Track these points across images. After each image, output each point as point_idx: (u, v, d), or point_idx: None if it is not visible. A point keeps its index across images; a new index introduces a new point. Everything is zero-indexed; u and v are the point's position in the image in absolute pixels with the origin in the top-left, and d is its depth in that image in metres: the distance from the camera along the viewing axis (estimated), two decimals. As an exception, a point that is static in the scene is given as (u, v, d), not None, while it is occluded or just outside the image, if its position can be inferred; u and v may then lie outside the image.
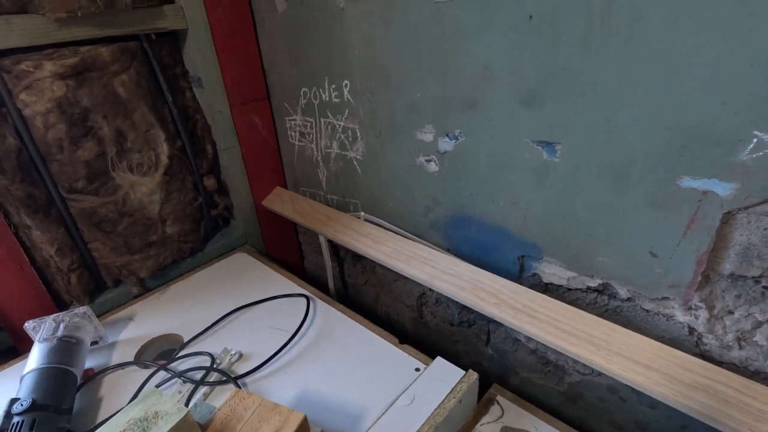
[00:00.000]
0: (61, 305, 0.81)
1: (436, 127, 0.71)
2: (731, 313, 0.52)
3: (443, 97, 0.67)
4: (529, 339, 0.76)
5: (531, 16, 0.53)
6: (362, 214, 0.95)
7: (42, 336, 0.64)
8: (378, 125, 0.80)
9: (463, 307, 0.86)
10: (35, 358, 0.61)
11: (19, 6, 0.65)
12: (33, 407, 0.54)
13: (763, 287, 0.49)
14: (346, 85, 0.83)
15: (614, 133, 0.52)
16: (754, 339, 0.52)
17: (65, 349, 0.63)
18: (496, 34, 0.57)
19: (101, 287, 0.87)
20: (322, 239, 1.03)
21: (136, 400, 0.44)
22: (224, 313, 0.78)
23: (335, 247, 1.09)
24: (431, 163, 0.75)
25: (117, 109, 0.77)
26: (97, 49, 0.73)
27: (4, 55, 0.66)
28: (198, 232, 0.98)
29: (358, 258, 1.05)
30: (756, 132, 0.43)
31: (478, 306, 0.68)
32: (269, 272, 0.92)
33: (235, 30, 0.90)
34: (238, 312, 0.79)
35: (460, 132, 0.68)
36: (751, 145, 0.43)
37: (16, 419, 0.52)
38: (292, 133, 1.02)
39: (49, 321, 0.67)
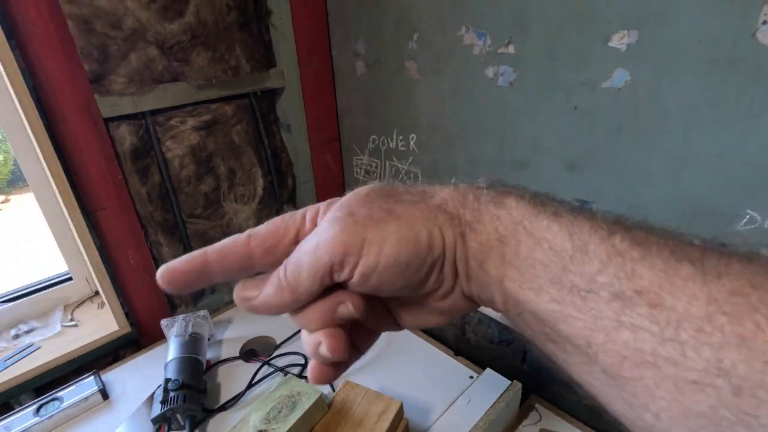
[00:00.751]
0: (173, 308, 1.00)
1: (490, 181, 0.87)
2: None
3: (500, 157, 0.83)
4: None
5: (576, 107, 0.69)
6: (417, 243, 1.11)
7: (176, 332, 0.82)
8: (439, 173, 0.97)
9: (504, 328, 1.00)
10: (174, 349, 0.78)
11: (173, 77, 0.85)
12: (182, 386, 0.71)
13: None
14: (412, 138, 1.00)
15: (638, 201, 0.66)
16: None
17: (194, 342, 0.81)
18: (547, 116, 0.73)
19: (201, 294, 1.05)
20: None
21: (279, 383, 0.60)
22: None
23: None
24: (484, 207, 0.91)
25: (231, 152, 0.96)
26: (223, 107, 0.92)
27: (159, 113, 0.85)
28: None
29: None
30: (748, 211, 0.57)
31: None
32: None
33: (320, 86, 1.09)
34: (317, 321, 0.96)
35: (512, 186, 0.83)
36: (745, 220, 0.58)
37: (172, 394, 0.69)
38: (358, 170, 1.20)
39: (180, 320, 0.85)
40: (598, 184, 0.71)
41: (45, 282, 0.96)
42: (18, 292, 0.93)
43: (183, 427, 0.69)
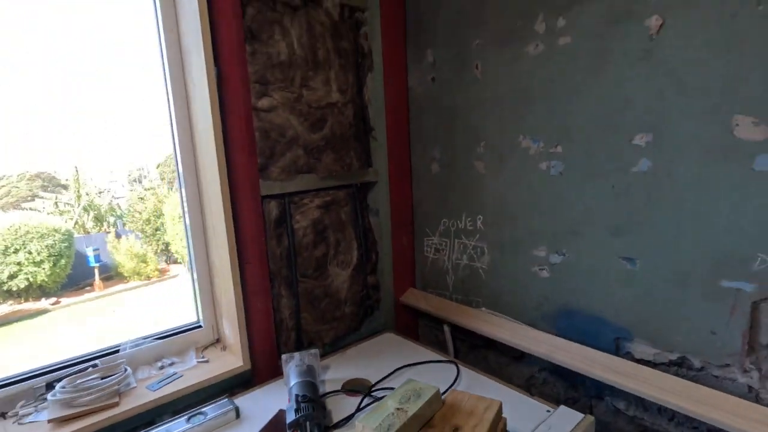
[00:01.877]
0: (279, 351, 1.18)
1: (549, 247, 1.09)
2: (774, 374, 0.78)
3: (554, 228, 1.07)
4: (628, 407, 0.99)
5: (613, 186, 0.94)
6: (483, 309, 1.29)
7: (296, 362, 1.00)
8: (503, 245, 1.20)
9: (569, 386, 1.11)
10: (296, 375, 0.96)
11: (308, 169, 1.17)
12: (310, 399, 0.87)
13: (791, 354, 0.76)
14: (479, 218, 1.26)
15: (674, 254, 0.87)
16: (796, 394, 0.76)
17: (310, 372, 0.98)
18: (592, 194, 0.98)
19: (300, 346, 1.23)
20: (446, 329, 1.36)
21: (405, 382, 0.76)
22: (394, 368, 1.10)
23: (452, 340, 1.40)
24: (543, 271, 1.11)
25: (339, 227, 1.24)
26: (338, 192, 1.23)
27: (294, 195, 1.16)
28: (359, 315, 1.36)
29: (473, 348, 1.35)
30: (759, 254, 0.76)
31: (589, 372, 0.96)
32: (416, 347, 1.25)
33: (401, 182, 1.41)
34: (403, 369, 1.11)
35: (566, 250, 1.05)
36: (757, 261, 0.77)
37: (303, 405, 0.85)
38: (428, 249, 1.44)
39: (297, 355, 1.03)
40: (639, 243, 0.92)
41: (179, 329, 1.18)
42: (159, 335, 1.14)
43: (310, 435, 0.83)
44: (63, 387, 0.90)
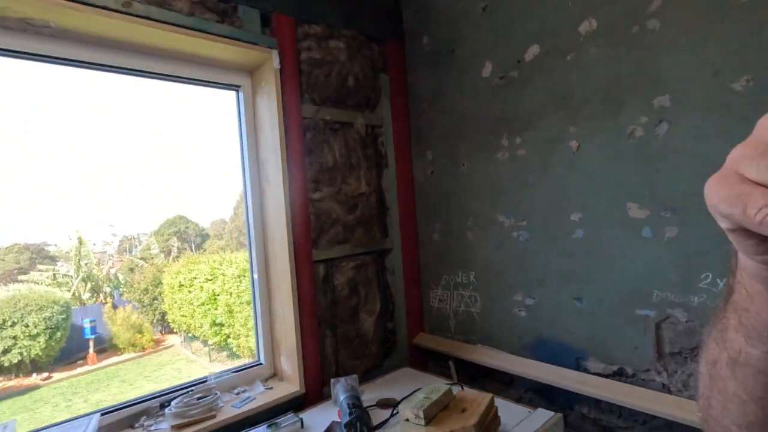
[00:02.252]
0: (323, 378, 1.51)
1: (524, 293, 1.49)
2: (675, 372, 1.16)
3: (526, 279, 1.47)
4: (590, 411, 1.34)
5: (563, 248, 1.37)
6: (479, 345, 1.65)
7: (343, 384, 1.34)
8: (491, 294, 1.60)
9: (548, 402, 1.45)
10: (344, 391, 1.30)
11: (344, 241, 1.59)
12: (358, 406, 1.22)
13: (684, 357, 1.14)
14: (472, 274, 1.66)
15: (605, 293, 1.27)
16: (690, 384, 1.13)
17: (354, 390, 1.32)
18: (549, 254, 1.40)
19: (338, 377, 1.57)
20: (451, 363, 1.71)
21: (427, 385, 1.11)
22: (414, 389, 1.44)
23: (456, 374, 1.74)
24: (521, 311, 1.50)
25: (366, 283, 1.63)
26: (365, 257, 1.64)
27: (334, 260, 1.57)
28: (381, 354, 1.70)
29: (472, 378, 1.69)
30: (654, 290, 1.18)
31: (559, 383, 1.32)
32: (429, 376, 1.59)
33: (410, 248, 1.83)
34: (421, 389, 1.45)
35: (536, 295, 1.45)
36: (653, 295, 1.18)
37: (354, 410, 1.20)
38: (433, 299, 1.83)
39: (343, 379, 1.37)
40: (582, 288, 1.33)
41: (246, 366, 1.52)
42: (233, 370, 1.48)
43: None
44: (177, 404, 1.24)
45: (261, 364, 1.53)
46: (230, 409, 1.30)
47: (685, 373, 1.15)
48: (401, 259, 1.79)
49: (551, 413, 1.23)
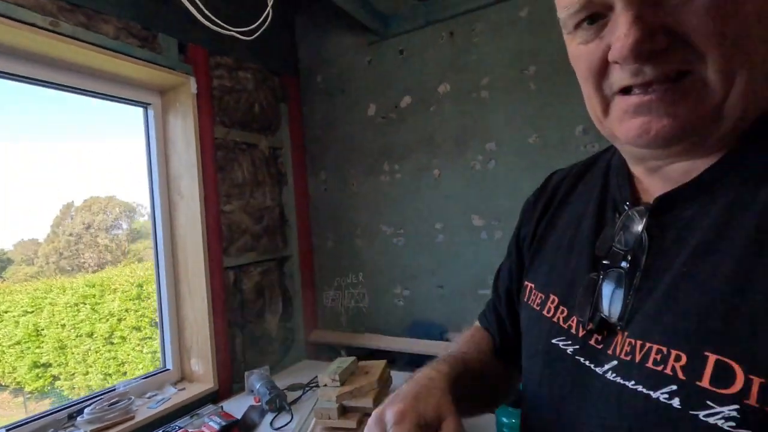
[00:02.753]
0: (235, 374, 1.65)
1: (401, 287, 1.90)
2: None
3: (403, 276, 1.88)
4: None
5: (429, 250, 1.82)
6: (366, 333, 1.99)
7: (257, 373, 1.53)
8: (376, 290, 1.97)
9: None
10: (259, 379, 1.49)
11: (251, 249, 1.78)
12: (276, 388, 1.43)
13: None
14: (360, 275, 2.01)
15: (459, 280, 1.75)
16: (511, 339, 1.67)
17: (268, 377, 1.52)
18: (420, 255, 1.84)
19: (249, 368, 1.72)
20: (342, 352, 2.01)
21: (335, 360, 1.39)
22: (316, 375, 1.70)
23: (348, 359, 2.04)
24: (400, 301, 1.90)
25: (270, 286, 1.84)
26: (270, 264, 1.85)
27: (243, 266, 1.74)
28: (282, 351, 1.91)
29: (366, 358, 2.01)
30: (489, 276, 1.69)
31: (429, 352, 1.74)
32: (326, 363, 1.86)
33: (307, 255, 2.09)
34: (323, 374, 1.72)
35: (410, 287, 1.87)
36: (489, 279, 1.69)
37: (273, 391, 1.41)
38: (326, 299, 2.12)
39: (256, 370, 1.55)
40: (443, 278, 1.79)
41: (153, 373, 1.57)
42: (142, 377, 1.53)
43: (281, 408, 1.38)
44: (91, 410, 1.26)
45: (168, 369, 1.60)
46: (147, 410, 1.37)
47: (508, 331, 1.68)
48: (299, 264, 2.04)
49: (425, 373, 1.64)
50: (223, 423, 1.22)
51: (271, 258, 1.87)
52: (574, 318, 0.47)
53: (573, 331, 0.47)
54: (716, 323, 0.33)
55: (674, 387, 0.34)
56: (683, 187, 0.41)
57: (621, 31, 0.35)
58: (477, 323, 0.75)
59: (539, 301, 0.54)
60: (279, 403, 1.39)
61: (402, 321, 1.90)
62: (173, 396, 1.47)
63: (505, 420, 1.27)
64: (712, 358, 0.33)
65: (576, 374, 0.44)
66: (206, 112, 1.60)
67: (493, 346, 0.67)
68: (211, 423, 1.23)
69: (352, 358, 1.40)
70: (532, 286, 0.56)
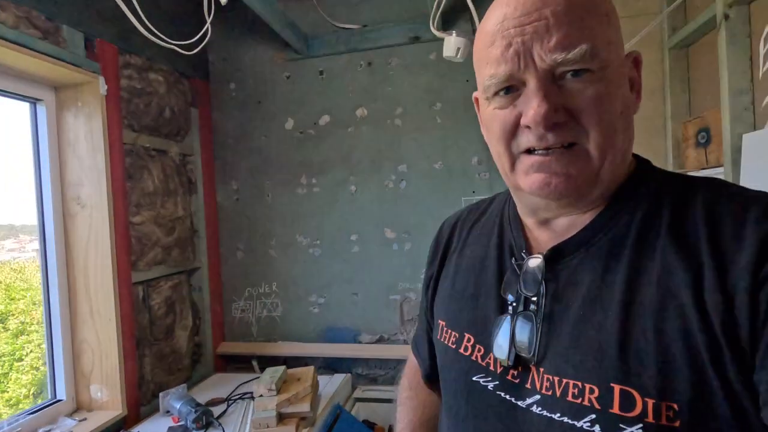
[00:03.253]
0: (144, 398, 1.54)
1: (317, 295, 1.99)
2: (410, 330, 1.92)
3: (320, 284, 1.99)
4: (363, 370, 1.96)
5: (344, 260, 1.96)
6: (279, 342, 2.04)
7: (175, 393, 1.47)
8: (290, 299, 2.02)
9: (335, 371, 1.99)
10: (178, 399, 1.44)
11: (161, 262, 1.68)
12: (201, 405, 1.41)
13: (413, 320, 1.91)
14: (274, 284, 2.04)
15: (372, 288, 1.93)
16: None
17: (186, 395, 1.48)
18: (336, 265, 1.97)
19: (154, 395, 1.62)
20: (254, 362, 2.02)
21: (267, 370, 1.42)
22: (236, 386, 1.69)
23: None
24: (315, 309, 2.00)
25: (181, 300, 1.75)
26: (180, 277, 1.76)
27: (152, 280, 1.63)
28: (191, 367, 1.84)
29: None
30: (399, 282, 1.91)
31: (341, 354, 1.88)
32: (239, 376, 1.85)
33: (215, 267, 2.04)
34: (241, 385, 1.71)
35: (326, 295, 1.99)
36: (398, 286, 1.91)
37: (199, 408, 1.39)
38: (236, 310, 2.08)
39: (173, 390, 1.48)
40: (358, 286, 1.95)
41: (40, 406, 1.39)
42: (28, 412, 1.34)
43: (209, 425, 1.37)
44: (-24, 457, 1.08)
45: (61, 400, 1.42)
46: (46, 447, 1.22)
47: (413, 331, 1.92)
48: (208, 276, 1.97)
49: (343, 374, 1.78)
50: None
51: (181, 270, 1.78)
52: (491, 355, 0.51)
53: (491, 368, 0.51)
54: (614, 360, 0.41)
55: (593, 416, 0.41)
56: (568, 241, 0.48)
57: (534, 104, 0.43)
58: (410, 352, 0.81)
59: (454, 340, 0.57)
60: (206, 420, 1.37)
61: (316, 327, 2.00)
62: (75, 428, 1.33)
63: None
64: (617, 389, 0.40)
65: (500, 408, 0.49)
66: (114, 114, 1.47)
67: (423, 374, 0.73)
68: None
69: (283, 368, 1.47)
70: (444, 323, 0.60)
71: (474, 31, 1.34)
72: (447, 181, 1.85)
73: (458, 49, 1.24)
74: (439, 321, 0.61)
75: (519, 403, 0.47)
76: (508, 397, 0.49)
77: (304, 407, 1.33)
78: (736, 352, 0.37)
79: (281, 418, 1.31)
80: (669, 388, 0.38)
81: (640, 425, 0.38)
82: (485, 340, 0.52)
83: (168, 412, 1.48)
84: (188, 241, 1.83)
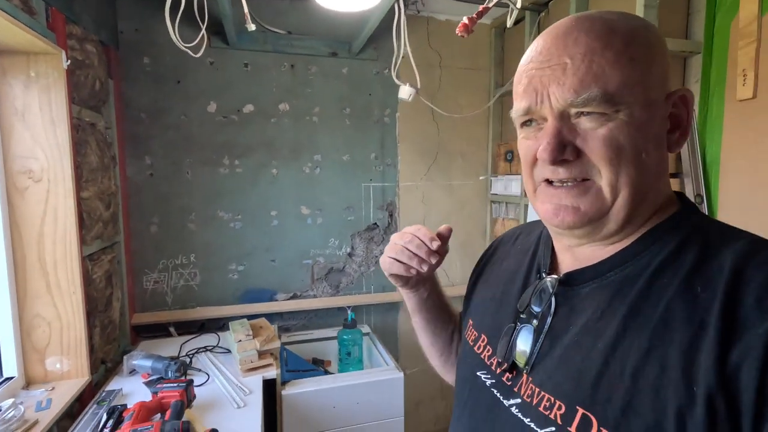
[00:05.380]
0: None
1: (236, 263, 2.26)
2: (318, 287, 2.42)
3: (239, 254, 2.25)
4: (280, 320, 2.36)
5: (265, 232, 2.29)
6: (198, 308, 2.22)
7: (137, 355, 1.61)
8: (209, 268, 2.22)
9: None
10: (147, 358, 1.61)
11: (100, 235, 1.71)
12: (175, 359, 1.63)
13: (321, 279, 2.42)
14: (192, 256, 2.20)
15: (288, 254, 2.33)
16: (323, 291, 2.43)
17: (150, 354, 1.65)
18: (256, 236, 2.27)
19: (100, 363, 1.68)
20: (171, 328, 2.16)
21: (234, 324, 1.69)
22: (181, 344, 1.88)
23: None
24: (235, 276, 2.27)
25: (116, 273, 1.79)
26: (112, 249, 1.79)
27: (94, 253, 1.65)
28: (120, 337, 1.90)
29: (195, 332, 2.22)
30: (311, 250, 2.37)
31: (263, 311, 2.24)
32: (162, 342, 2.01)
33: (129, 239, 2.05)
34: (186, 342, 1.91)
35: (246, 263, 2.28)
36: (311, 252, 2.37)
37: (174, 360, 1.61)
38: (147, 282, 2.14)
39: (134, 352, 1.61)
40: (276, 253, 2.31)
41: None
42: (-15, 391, 1.31)
43: (185, 374, 1.61)
44: (-9, 425, 1.12)
45: (13, 377, 1.40)
46: (38, 413, 1.28)
47: (321, 287, 2.43)
48: (124, 249, 2.00)
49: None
50: (182, 384, 1.38)
51: (112, 243, 1.81)
52: (495, 357, 0.56)
53: (493, 367, 0.57)
54: (587, 387, 0.44)
55: (553, 428, 0.45)
56: (584, 270, 0.51)
57: (544, 140, 0.46)
58: None
59: (473, 338, 0.64)
60: (185, 369, 1.61)
61: (236, 291, 2.28)
62: (53, 395, 1.37)
63: (345, 337, 2.06)
64: (580, 412, 0.43)
65: (490, 403, 0.55)
66: (67, 88, 1.46)
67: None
68: (167, 387, 1.36)
69: (245, 320, 1.81)
70: (472, 323, 0.66)
71: (400, 55, 1.90)
72: (352, 170, 2.40)
73: (410, 95, 1.79)
74: (469, 320, 0.68)
75: (504, 401, 0.52)
76: (498, 394, 0.54)
77: (276, 344, 1.73)
78: (714, 418, 0.36)
79: (259, 355, 1.67)
80: (624, 426, 0.40)
81: None
82: (495, 343, 0.57)
83: (132, 372, 1.62)
84: (117, 216, 1.85)
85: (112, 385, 1.56)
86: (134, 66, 2.03)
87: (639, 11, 1.52)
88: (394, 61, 1.83)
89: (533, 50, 0.49)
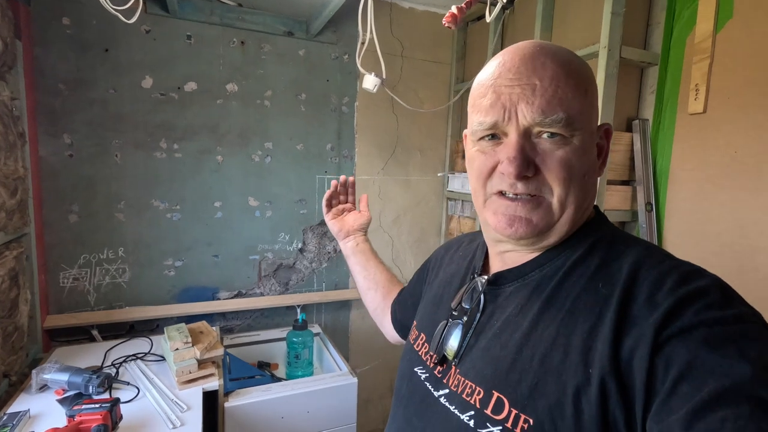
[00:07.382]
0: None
1: (173, 258, 2.04)
2: (266, 285, 2.26)
3: (177, 248, 2.04)
4: (222, 322, 2.17)
5: (206, 224, 2.08)
6: (126, 308, 1.98)
7: (52, 367, 1.38)
8: (141, 263, 1.98)
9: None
10: (62, 371, 1.39)
11: (3, 227, 1.43)
12: (96, 371, 1.42)
13: (269, 276, 2.26)
14: (120, 250, 1.94)
15: (232, 250, 2.15)
16: (271, 289, 2.28)
17: (67, 366, 1.43)
18: (197, 229, 2.06)
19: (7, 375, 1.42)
20: (94, 332, 1.91)
21: (168, 329, 1.50)
22: (105, 352, 1.66)
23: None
24: (171, 272, 2.05)
25: (23, 271, 1.52)
26: (19, 243, 1.52)
27: (-8, 250, 1.39)
28: (30, 344, 1.63)
29: (122, 335, 1.98)
30: (259, 245, 2.20)
31: (204, 311, 2.05)
32: (84, 346, 1.77)
33: (41, 231, 1.77)
34: (111, 349, 1.68)
35: (184, 258, 2.06)
36: (258, 248, 2.20)
37: (96, 373, 1.41)
38: (65, 280, 1.87)
39: (47, 365, 1.38)
40: (219, 249, 2.12)
41: None
42: None
43: (110, 388, 1.41)
44: None
45: None
46: None
47: (269, 285, 2.28)
48: (34, 243, 1.71)
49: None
50: (105, 403, 1.19)
51: (19, 236, 1.53)
52: (430, 353, 0.61)
53: (428, 363, 0.61)
54: (502, 373, 0.49)
55: (472, 412, 0.49)
56: (509, 270, 0.56)
57: (510, 154, 0.49)
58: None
59: (414, 337, 0.69)
60: (109, 383, 1.41)
61: (172, 289, 2.06)
62: (-68, 425, 1.13)
63: (295, 339, 1.94)
64: (495, 395, 0.48)
65: (423, 395, 0.58)
66: (-41, 47, 1.19)
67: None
68: (87, 409, 1.16)
69: (183, 324, 1.63)
70: (415, 324, 0.72)
71: (359, 37, 1.78)
72: (306, 160, 2.25)
73: (375, 85, 1.67)
74: (414, 321, 0.74)
75: (435, 393, 0.57)
76: (429, 387, 0.58)
77: (219, 351, 1.56)
78: (605, 397, 0.41)
79: (199, 364, 1.50)
80: (531, 406, 0.44)
81: (500, 427, 0.46)
82: (430, 340, 0.62)
83: (43, 387, 1.39)
84: (26, 204, 1.57)
85: (18, 405, 1.32)
86: (51, 27, 1.73)
87: (606, 18, 1.52)
88: (358, 48, 1.71)
89: (501, 66, 0.51)
